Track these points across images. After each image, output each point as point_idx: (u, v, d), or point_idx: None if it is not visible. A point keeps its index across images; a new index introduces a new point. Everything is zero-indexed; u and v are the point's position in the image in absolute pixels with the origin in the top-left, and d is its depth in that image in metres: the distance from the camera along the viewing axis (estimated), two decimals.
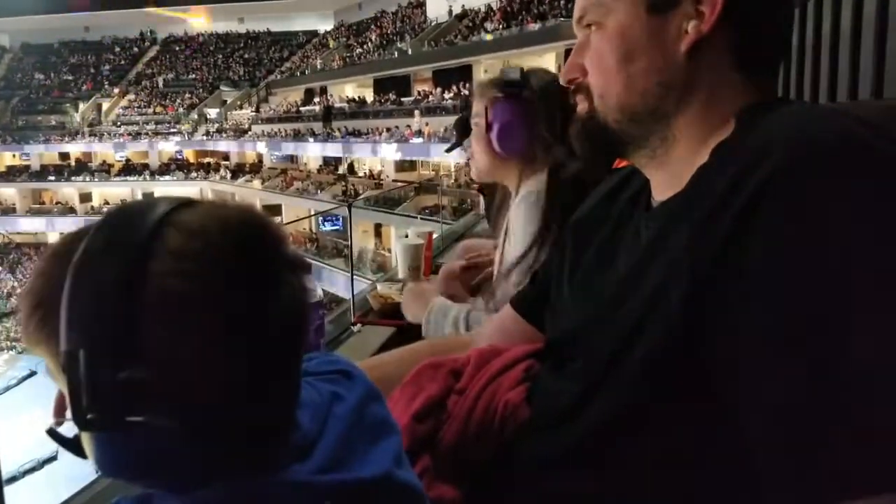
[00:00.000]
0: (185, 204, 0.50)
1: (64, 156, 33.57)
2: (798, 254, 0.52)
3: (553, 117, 1.43)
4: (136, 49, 40.90)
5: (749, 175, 0.56)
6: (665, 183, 0.73)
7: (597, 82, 0.73)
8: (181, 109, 35.10)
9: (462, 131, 2.84)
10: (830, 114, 0.62)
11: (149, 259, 0.45)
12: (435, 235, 2.62)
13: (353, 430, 0.57)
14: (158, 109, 35.62)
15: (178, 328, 0.45)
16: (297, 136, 26.11)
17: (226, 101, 35.70)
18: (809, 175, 0.54)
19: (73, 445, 0.51)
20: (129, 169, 31.98)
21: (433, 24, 26.59)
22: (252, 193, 27.22)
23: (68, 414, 0.46)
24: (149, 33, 41.15)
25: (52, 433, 0.50)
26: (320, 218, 23.57)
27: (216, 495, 0.48)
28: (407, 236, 2.13)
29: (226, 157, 32.39)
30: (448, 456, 0.77)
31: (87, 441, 0.49)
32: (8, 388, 18.26)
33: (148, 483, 0.49)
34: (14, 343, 24.01)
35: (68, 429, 0.50)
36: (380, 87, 26.11)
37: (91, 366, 0.44)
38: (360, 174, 24.46)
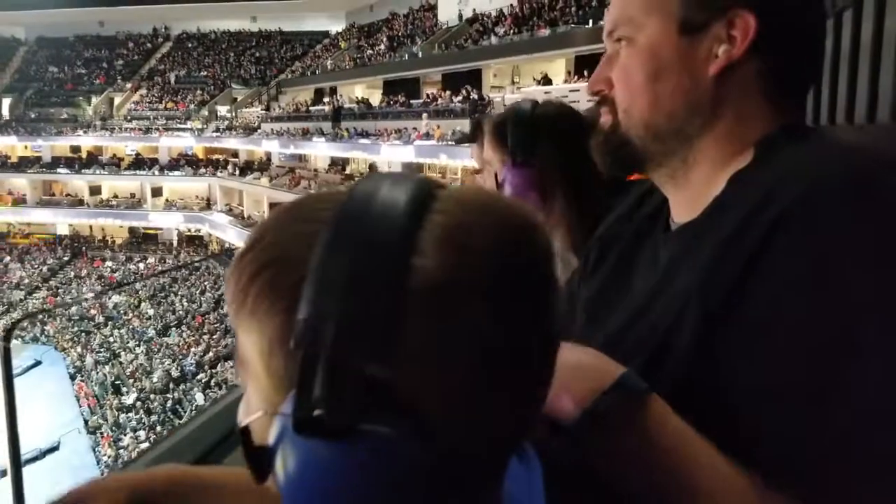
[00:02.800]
0: (446, 188, 0.43)
1: (75, 148, 33.78)
2: (800, 298, 0.53)
3: (568, 184, 1.33)
4: (149, 45, 41.13)
5: (760, 214, 0.57)
6: (683, 204, 0.73)
7: (623, 97, 0.72)
8: (192, 106, 35.29)
9: (474, 135, 2.85)
10: (846, 152, 0.63)
11: (418, 244, 0.38)
12: None
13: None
14: (170, 105, 35.80)
15: (444, 329, 0.37)
16: (306, 136, 26.20)
17: (236, 98, 35.84)
18: (819, 218, 0.54)
19: (259, 457, 0.40)
20: (139, 163, 32.16)
21: (444, 27, 26.66)
22: (260, 191, 27.35)
23: (253, 409, 0.39)
24: (162, 29, 41.37)
25: (245, 434, 0.41)
26: None
27: None
28: None
29: (235, 154, 32.53)
30: None
31: (289, 450, 0.37)
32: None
33: None
34: (20, 334, 24.16)
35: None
36: (389, 88, 26.21)
37: (339, 345, 0.35)
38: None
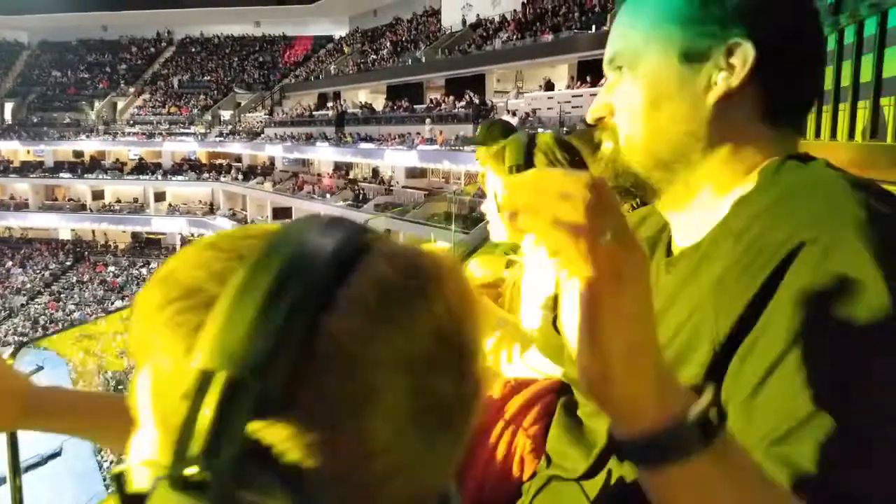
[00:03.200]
0: (380, 242, 0.40)
1: (78, 153, 33.84)
2: (814, 326, 0.54)
3: None
4: (152, 49, 41.25)
5: (770, 245, 0.58)
6: (686, 229, 0.74)
7: (624, 125, 0.73)
8: (195, 110, 35.37)
9: (484, 138, 2.83)
10: (847, 182, 0.63)
11: (336, 301, 0.35)
12: (447, 245, 2.64)
13: None
14: (173, 110, 35.89)
15: (345, 393, 0.34)
16: (309, 140, 26.25)
17: (240, 103, 35.95)
18: (828, 249, 0.55)
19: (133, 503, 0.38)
20: (142, 168, 32.21)
21: (447, 32, 26.71)
22: (263, 195, 27.39)
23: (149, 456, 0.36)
24: (165, 34, 41.50)
25: (118, 480, 0.40)
26: None
27: None
28: None
29: (238, 158, 32.59)
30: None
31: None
32: None
33: None
34: (22, 337, 24.15)
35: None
36: (393, 93, 26.25)
37: (227, 400, 0.32)
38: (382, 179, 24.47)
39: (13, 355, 2.46)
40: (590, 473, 0.69)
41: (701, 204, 0.72)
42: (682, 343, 0.62)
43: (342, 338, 0.34)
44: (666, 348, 0.62)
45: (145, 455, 0.38)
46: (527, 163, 1.48)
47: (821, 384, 0.53)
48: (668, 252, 0.77)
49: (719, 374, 0.58)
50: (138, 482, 0.38)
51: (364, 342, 0.35)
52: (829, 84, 2.01)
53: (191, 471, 0.32)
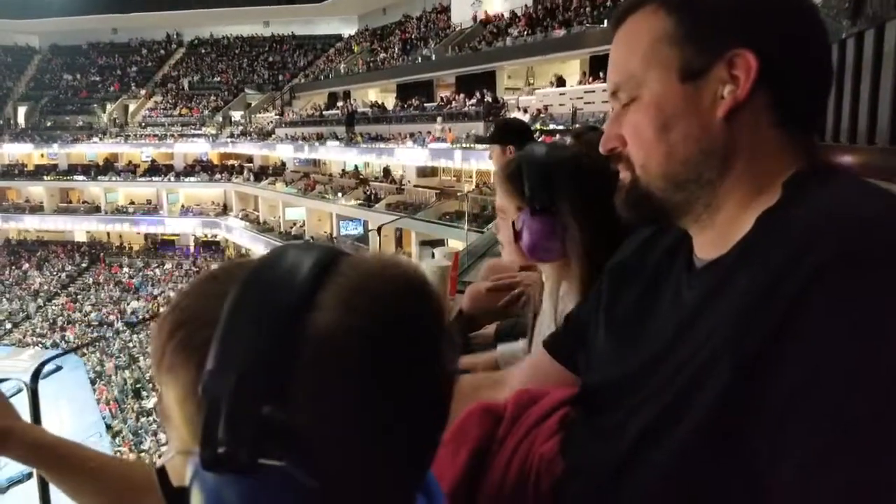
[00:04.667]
0: (350, 255, 0.48)
1: (91, 156, 34.05)
2: (847, 351, 0.52)
3: (591, 228, 1.28)
4: (162, 51, 41.44)
5: (795, 266, 0.56)
6: (708, 243, 0.73)
7: (637, 154, 0.73)
8: (206, 112, 35.50)
9: (497, 136, 2.85)
10: (880, 198, 0.61)
11: (317, 302, 0.43)
12: (460, 245, 2.63)
13: None
14: (184, 111, 36.03)
15: (332, 377, 0.42)
16: (320, 140, 26.28)
17: (250, 103, 36.05)
18: (862, 267, 0.53)
19: (177, 496, 0.46)
20: (154, 169, 32.39)
21: (457, 29, 26.64)
22: (275, 196, 27.48)
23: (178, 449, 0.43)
24: (175, 35, 41.68)
25: (161, 474, 0.47)
26: (340, 221, 23.73)
27: None
28: (434, 256, 2.17)
29: (249, 159, 32.69)
30: None
31: (200, 486, 0.42)
32: None
33: None
34: (40, 339, 24.39)
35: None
36: (403, 92, 26.22)
37: (238, 392, 0.40)
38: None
39: (34, 378, 2.56)
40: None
41: (724, 220, 0.70)
42: (700, 363, 0.61)
43: (321, 331, 0.42)
44: (684, 367, 0.63)
45: (179, 448, 0.45)
46: (550, 196, 1.32)
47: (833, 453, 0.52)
48: (689, 265, 0.75)
49: (737, 399, 0.57)
50: (179, 478, 0.46)
51: (338, 331, 0.42)
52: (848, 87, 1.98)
53: (220, 450, 0.40)
